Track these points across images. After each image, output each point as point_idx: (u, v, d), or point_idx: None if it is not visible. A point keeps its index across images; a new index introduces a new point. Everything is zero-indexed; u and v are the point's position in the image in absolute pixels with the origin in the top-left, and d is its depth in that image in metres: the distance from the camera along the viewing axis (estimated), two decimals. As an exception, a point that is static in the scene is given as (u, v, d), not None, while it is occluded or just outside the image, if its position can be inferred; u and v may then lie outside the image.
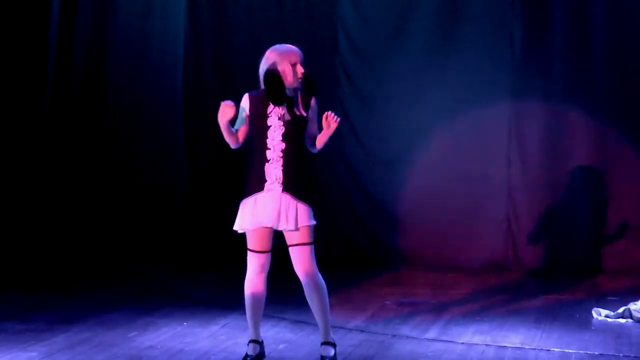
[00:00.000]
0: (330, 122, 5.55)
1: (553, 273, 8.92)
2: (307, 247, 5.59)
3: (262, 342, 5.86)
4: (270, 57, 5.55)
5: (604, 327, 6.84)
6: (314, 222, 5.59)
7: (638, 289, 8.04)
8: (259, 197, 5.57)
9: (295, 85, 5.58)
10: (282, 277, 8.14)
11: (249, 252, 5.68)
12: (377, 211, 9.47)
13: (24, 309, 7.28)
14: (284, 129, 5.55)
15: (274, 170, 5.55)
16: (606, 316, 7.09)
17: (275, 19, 9.61)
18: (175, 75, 9.89)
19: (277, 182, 5.55)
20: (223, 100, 5.50)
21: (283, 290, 7.57)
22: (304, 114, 5.60)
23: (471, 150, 9.19)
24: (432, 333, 6.60)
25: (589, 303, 7.53)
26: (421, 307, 7.50)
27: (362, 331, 6.65)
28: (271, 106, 5.59)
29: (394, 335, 6.51)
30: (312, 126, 5.68)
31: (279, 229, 5.58)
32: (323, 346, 5.72)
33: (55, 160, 9.99)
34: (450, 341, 6.36)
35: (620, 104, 8.86)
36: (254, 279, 5.68)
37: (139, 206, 9.89)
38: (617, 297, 7.80)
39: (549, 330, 6.71)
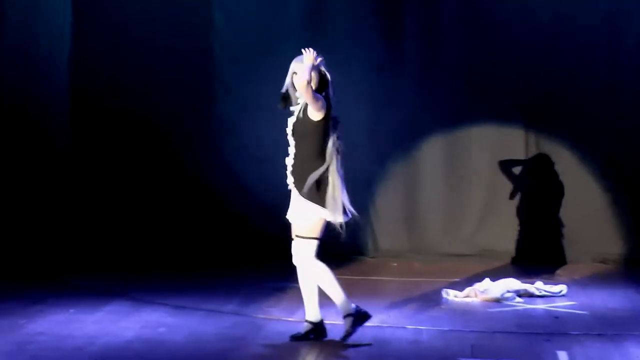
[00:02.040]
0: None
1: (409, 258, 9.43)
2: (298, 240, 6.02)
3: (315, 321, 6.17)
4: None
5: (453, 306, 7.35)
6: (312, 219, 5.95)
7: (482, 270, 8.61)
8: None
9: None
10: (166, 266, 8.62)
11: None
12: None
13: None
14: (291, 132, 6.06)
15: (289, 168, 6.05)
16: (455, 296, 7.59)
17: (150, 28, 9.67)
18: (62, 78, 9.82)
19: (290, 180, 6.06)
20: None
21: (165, 277, 8.05)
22: (310, 118, 5.99)
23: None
24: (298, 315, 6.79)
25: (439, 285, 7.98)
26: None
27: (237, 314, 6.96)
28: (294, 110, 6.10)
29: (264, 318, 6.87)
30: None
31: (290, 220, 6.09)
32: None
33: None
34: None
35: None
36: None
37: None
38: (463, 278, 8.30)
39: (403, 309, 7.13)
